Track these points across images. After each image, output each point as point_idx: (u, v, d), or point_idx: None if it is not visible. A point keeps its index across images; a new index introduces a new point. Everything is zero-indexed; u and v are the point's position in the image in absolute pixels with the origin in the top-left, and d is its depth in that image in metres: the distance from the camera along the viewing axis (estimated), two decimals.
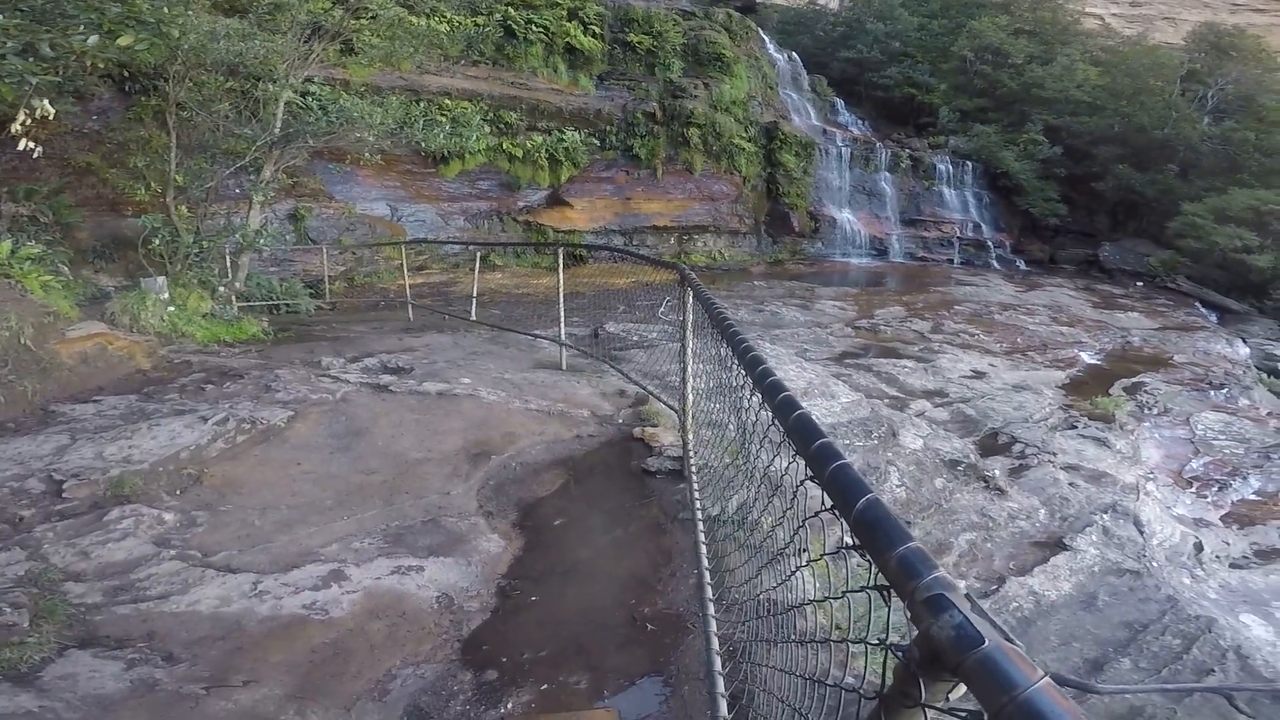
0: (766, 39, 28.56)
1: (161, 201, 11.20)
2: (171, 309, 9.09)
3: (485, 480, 5.17)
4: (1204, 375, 13.07)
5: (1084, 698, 4.42)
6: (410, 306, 12.95)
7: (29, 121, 6.82)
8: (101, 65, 10.17)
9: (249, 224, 11.69)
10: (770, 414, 1.91)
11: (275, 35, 11.28)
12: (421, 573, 3.96)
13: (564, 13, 21.17)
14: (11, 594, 3.48)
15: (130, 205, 13.05)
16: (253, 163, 11.75)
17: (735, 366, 2.73)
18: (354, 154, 14.81)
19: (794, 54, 29.54)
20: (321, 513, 4.55)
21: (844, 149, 26.35)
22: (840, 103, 30.26)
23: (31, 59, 6.54)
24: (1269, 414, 11.41)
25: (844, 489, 1.25)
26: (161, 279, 9.52)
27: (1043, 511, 6.83)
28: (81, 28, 6.64)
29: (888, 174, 26.65)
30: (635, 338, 10.50)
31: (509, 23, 20.08)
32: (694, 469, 4.64)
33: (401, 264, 14.34)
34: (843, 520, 1.23)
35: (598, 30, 21.94)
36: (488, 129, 17.55)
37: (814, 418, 1.61)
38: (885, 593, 1.09)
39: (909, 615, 0.96)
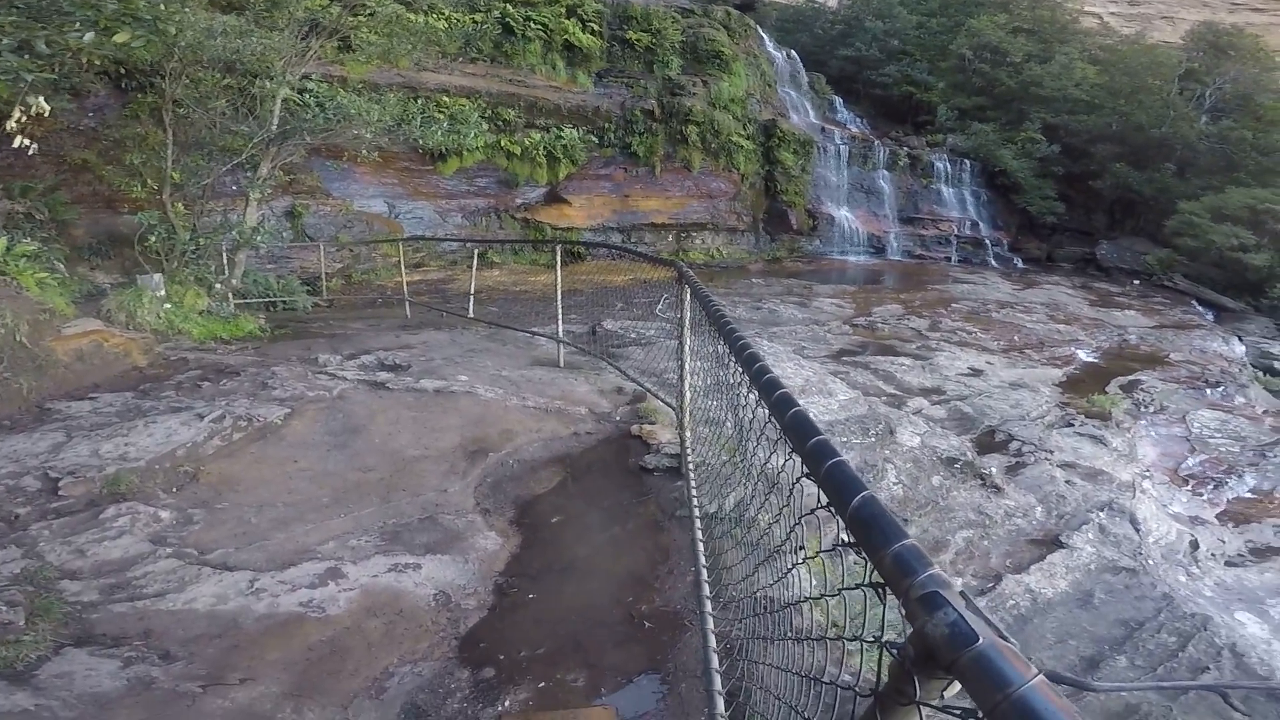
0: (765, 37, 28.54)
1: (158, 198, 11.17)
2: (168, 306, 9.07)
3: (482, 478, 5.17)
4: (1200, 373, 13.09)
5: (1080, 695, 4.43)
6: (408, 304, 12.94)
7: (24, 118, 6.81)
8: (98, 62, 10.13)
9: (246, 221, 11.67)
10: (767, 411, 1.91)
11: (272, 32, 11.25)
12: (419, 570, 3.95)
13: (562, 10, 21.14)
14: (7, 592, 3.48)
15: (126, 202, 13.01)
16: (249, 160, 11.72)
17: (732, 364, 2.73)
18: (351, 151, 14.78)
19: (792, 52, 29.53)
20: (318, 510, 4.54)
21: (842, 147, 26.35)
22: (839, 101, 30.26)
23: (27, 56, 6.52)
24: (1265, 412, 11.43)
25: (840, 486, 1.25)
26: (158, 276, 9.50)
27: (1039, 509, 6.84)
28: (77, 24, 6.62)
29: (886, 172, 26.66)
30: (633, 335, 10.49)
31: (507, 20, 20.05)
32: (691, 466, 4.64)
33: (399, 261, 14.32)
34: (839, 517, 1.23)
35: (596, 27, 21.92)
36: (486, 126, 17.52)
37: (810, 415, 1.61)
38: (880, 590, 1.09)
39: (904, 612, 0.96)
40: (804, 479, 1.53)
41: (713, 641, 2.87)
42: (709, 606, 3.10)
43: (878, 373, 11.04)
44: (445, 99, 18.13)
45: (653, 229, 22.22)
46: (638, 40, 22.47)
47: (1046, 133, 27.21)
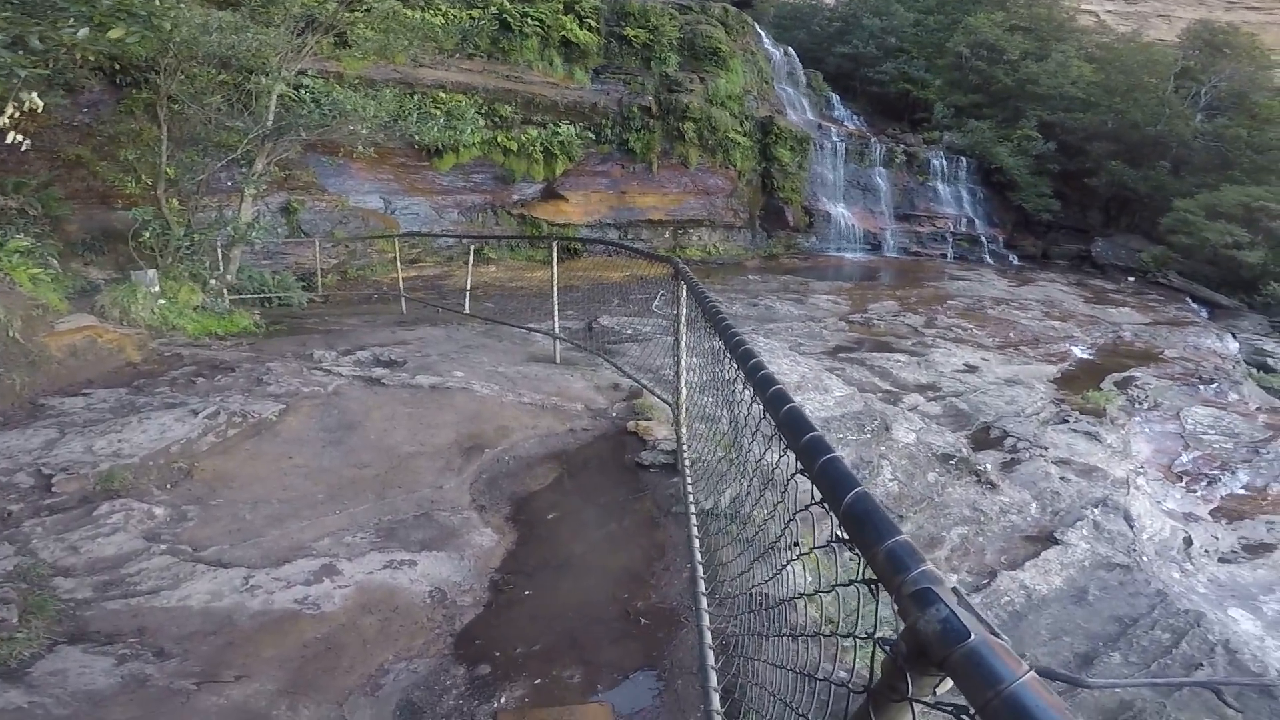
0: (762, 34, 28.50)
1: (152, 194, 11.12)
2: (162, 302, 9.04)
3: (478, 474, 5.17)
4: (1194, 370, 13.13)
5: (1074, 692, 4.45)
6: (403, 299, 12.92)
7: (17, 114, 6.77)
8: (92, 58, 10.08)
9: (241, 217, 11.62)
10: (762, 407, 1.91)
11: (268, 28, 11.19)
12: (414, 567, 3.95)
13: (560, 6, 21.07)
14: (0, 590, 3.46)
15: (120, 198, 12.95)
16: (244, 156, 11.68)
17: (728, 360, 2.73)
18: (347, 147, 14.73)
19: (790, 49, 29.50)
20: (313, 507, 4.53)
21: (839, 144, 26.36)
22: (836, 98, 30.24)
23: (20, 52, 6.49)
24: (1258, 408, 11.48)
25: (833, 482, 1.25)
26: (152, 272, 9.47)
27: (1034, 506, 6.86)
28: (71, 20, 6.59)
29: (882, 169, 26.67)
30: (629, 331, 10.49)
31: (504, 16, 19.98)
32: (687, 463, 4.65)
33: (395, 257, 14.29)
34: (832, 514, 1.23)
35: (594, 24, 21.85)
36: (482, 122, 17.46)
37: (805, 411, 1.61)
38: (873, 586, 1.09)
39: (896, 609, 0.96)
40: (798, 475, 1.53)
41: (708, 638, 2.87)
42: (705, 603, 3.11)
43: (873, 369, 11.05)
44: (442, 95, 18.07)
45: (650, 225, 22.21)
46: (635, 37, 22.42)
47: (1042, 130, 27.24)
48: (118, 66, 13.40)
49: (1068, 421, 9.46)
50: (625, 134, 21.59)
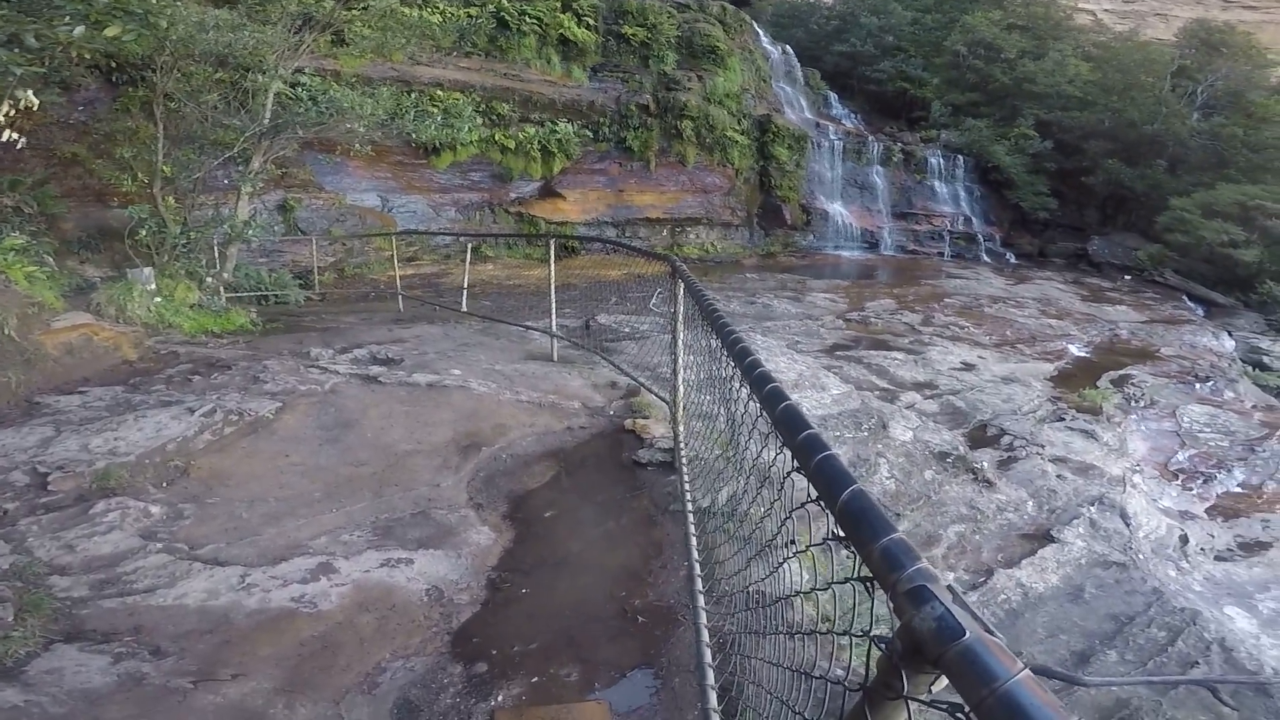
0: (760, 32, 28.51)
1: (148, 192, 11.09)
2: (158, 300, 9.01)
3: (475, 472, 5.16)
4: (1190, 368, 13.16)
5: (1070, 690, 4.46)
6: (400, 298, 12.90)
7: (13, 112, 6.75)
8: (88, 56, 10.03)
9: (237, 215, 11.60)
10: (759, 405, 1.91)
11: (265, 26, 11.16)
12: (411, 565, 3.94)
13: (558, 4, 21.05)
14: None
15: (117, 196, 12.92)
16: (241, 153, 11.65)
17: (725, 358, 2.73)
18: (344, 145, 14.71)
19: (787, 47, 29.50)
20: (310, 505, 4.53)
21: (836, 142, 26.38)
22: (833, 96, 30.28)
23: (16, 49, 6.46)
24: (1253, 407, 11.51)
25: (829, 480, 1.25)
26: (148, 270, 9.44)
27: (1030, 504, 6.88)
28: (67, 18, 6.56)
29: (880, 167, 26.70)
30: (627, 329, 10.49)
31: (502, 14, 19.95)
32: (685, 460, 4.65)
33: (392, 255, 14.26)
34: (828, 512, 1.23)
35: (591, 22, 21.83)
36: (480, 120, 17.46)
37: (801, 409, 1.61)
38: (869, 584, 1.09)
39: (892, 607, 0.96)
40: (795, 473, 1.53)
41: (706, 636, 2.87)
42: (702, 601, 3.11)
43: (871, 367, 11.06)
44: (439, 93, 18.04)
45: (647, 224, 22.21)
46: (633, 35, 22.40)
47: (1039, 129, 27.28)
48: (114, 64, 13.37)
49: (1064, 419, 9.48)
50: (623, 132, 21.58)
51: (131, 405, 5.76)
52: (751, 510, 2.50)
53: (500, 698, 3.06)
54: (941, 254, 26.09)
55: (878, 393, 9.57)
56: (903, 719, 0.97)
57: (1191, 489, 8.50)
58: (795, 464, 1.48)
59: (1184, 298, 21.40)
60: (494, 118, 19.38)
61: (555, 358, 8.00)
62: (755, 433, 2.13)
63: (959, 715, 0.81)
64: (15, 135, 6.85)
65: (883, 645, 0.99)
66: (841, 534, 1.18)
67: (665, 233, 22.57)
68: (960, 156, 27.56)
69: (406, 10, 14.36)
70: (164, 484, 4.65)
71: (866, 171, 26.54)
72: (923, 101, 30.05)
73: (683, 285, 4.58)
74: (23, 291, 7.02)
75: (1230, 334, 17.05)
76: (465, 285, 11.28)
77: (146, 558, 3.83)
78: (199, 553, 3.94)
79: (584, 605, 3.72)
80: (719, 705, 2.57)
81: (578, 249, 18.08)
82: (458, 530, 4.36)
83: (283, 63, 11.72)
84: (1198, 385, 12.27)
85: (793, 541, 1.84)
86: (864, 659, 1.10)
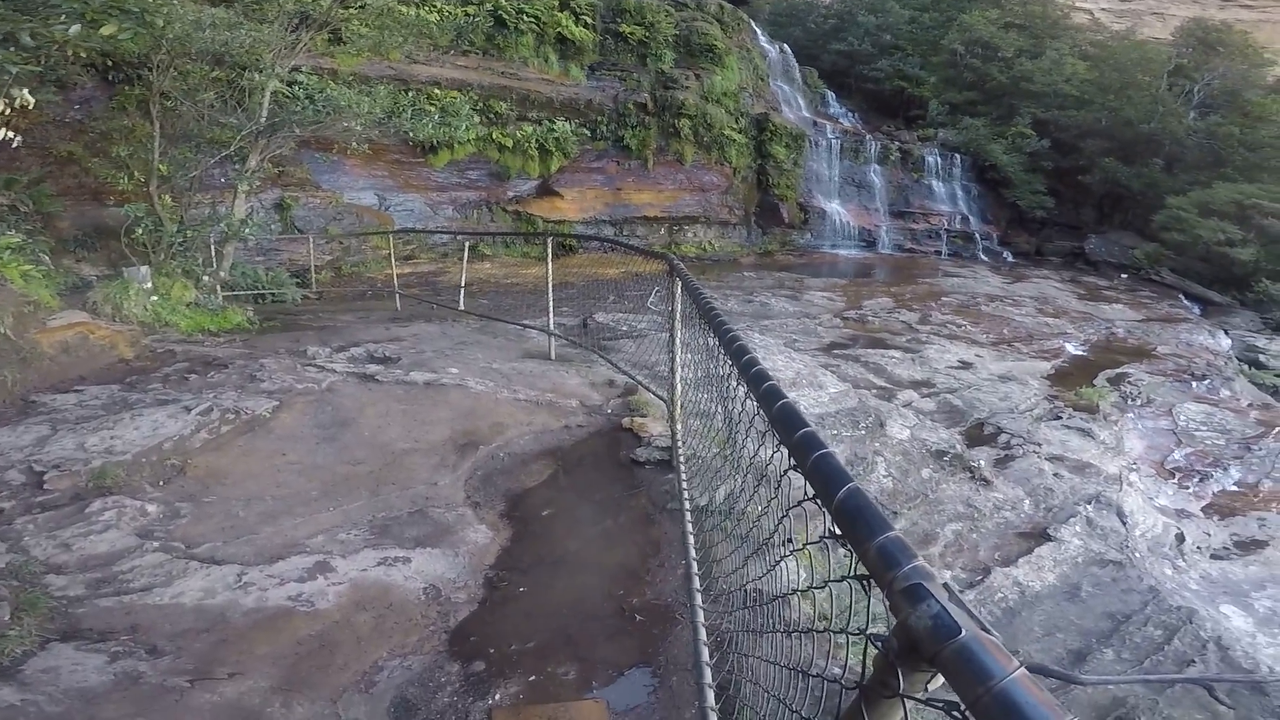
0: (758, 30, 28.51)
1: (145, 191, 11.06)
2: (155, 298, 8.99)
3: (473, 471, 5.16)
4: (1186, 366, 13.19)
5: (1067, 688, 4.47)
6: (398, 296, 12.89)
7: (8, 111, 6.73)
8: (84, 54, 10.02)
9: (234, 213, 11.57)
10: (755, 404, 1.91)
11: (262, 25, 11.14)
12: (408, 564, 3.94)
13: (555, 2, 21.02)
14: None
15: (113, 194, 12.88)
16: (238, 152, 11.63)
17: (722, 356, 2.73)
18: (341, 143, 14.68)
19: (785, 46, 29.51)
20: (307, 504, 4.52)
21: (834, 141, 26.39)
22: (831, 95, 30.30)
23: (12, 48, 6.45)
24: (1249, 405, 11.53)
25: (826, 478, 1.25)
26: (145, 268, 9.42)
27: (1027, 502, 6.89)
28: (63, 17, 6.55)
29: (877, 166, 26.73)
30: (625, 328, 10.48)
31: (499, 12, 19.92)
32: (682, 459, 4.65)
33: (389, 254, 14.26)
34: (825, 510, 1.23)
35: (589, 20, 21.81)
36: (477, 119, 17.43)
37: (798, 407, 1.61)
38: (866, 582, 1.09)
39: (888, 605, 0.96)
40: (791, 471, 1.53)
41: (703, 635, 2.87)
42: (699, 600, 3.11)
43: (868, 365, 11.08)
44: (436, 91, 18.02)
45: (645, 222, 22.20)
46: (631, 33, 22.39)
47: (1037, 128, 27.32)
48: (110, 63, 13.35)
49: (1061, 418, 9.50)
50: (621, 131, 21.57)
51: (128, 404, 5.75)
52: (749, 508, 2.50)
53: (498, 696, 3.06)
54: (939, 252, 26.12)
55: (875, 391, 9.58)
56: (899, 717, 0.97)
57: (1188, 487, 8.52)
58: (792, 462, 1.48)
59: (1180, 296, 21.45)
60: (491, 116, 19.36)
61: (553, 356, 8.00)
62: (752, 431, 2.13)
63: (955, 713, 0.81)
64: (11, 134, 6.83)
65: (879, 643, 0.99)
66: (838, 532, 1.18)
67: (663, 231, 22.57)
68: (957, 155, 27.60)
69: (404, 9, 14.35)
70: (160, 483, 4.64)
71: (864, 170, 26.57)
72: (920, 100, 30.09)
73: (680, 283, 4.58)
74: (18, 290, 7.00)
75: (1226, 332, 17.09)
76: (463, 284, 11.27)
77: (143, 556, 3.83)
78: (195, 551, 3.93)
79: (582, 604, 3.72)
80: (716, 703, 2.57)
81: (575, 247, 18.07)
82: (455, 529, 4.35)
83: (279, 61, 11.70)
84: (1194, 384, 12.30)
85: (790, 540, 1.84)
86: (861, 657, 1.10)
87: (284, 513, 4.39)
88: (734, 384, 2.47)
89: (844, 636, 1.35)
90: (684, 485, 4.23)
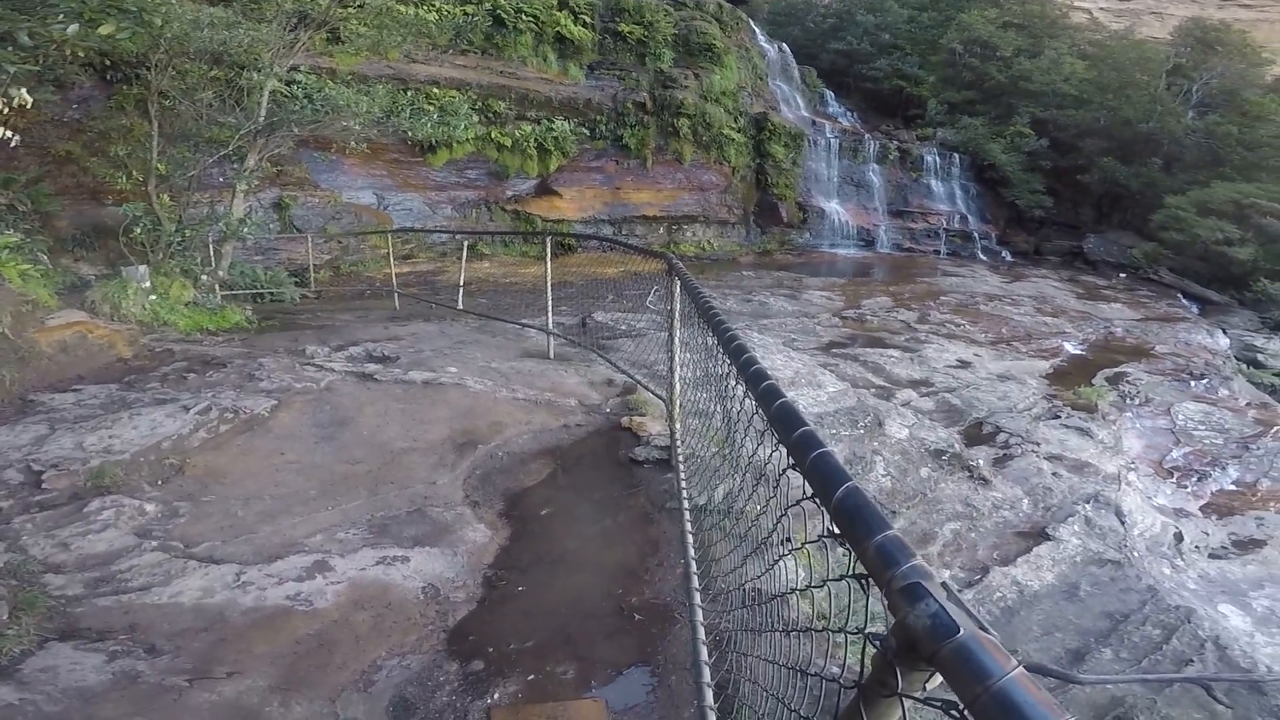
0: (757, 30, 28.51)
1: (143, 190, 11.05)
2: (153, 297, 8.98)
3: (471, 470, 5.16)
4: (1185, 365, 13.20)
5: (1065, 688, 4.47)
6: (396, 295, 12.89)
7: (6, 110, 6.72)
8: (82, 54, 10.00)
9: (232, 212, 11.57)
10: (754, 403, 1.91)
11: (260, 24, 11.14)
12: (407, 563, 3.94)
13: (554, 2, 21.01)
14: None
15: (111, 194, 12.87)
16: (236, 151, 11.62)
17: (721, 355, 2.73)
18: (340, 143, 14.67)
19: (784, 45, 29.51)
20: (305, 503, 4.52)
21: (833, 140, 26.39)
22: (829, 94, 30.30)
23: (10, 48, 6.44)
24: (1248, 404, 11.54)
25: (824, 477, 1.25)
26: (143, 267, 9.41)
27: (1026, 501, 6.89)
28: (61, 16, 6.55)
29: (876, 165, 26.73)
30: (624, 327, 10.48)
31: (498, 11, 19.91)
32: (681, 458, 4.65)
33: (388, 253, 14.26)
34: (824, 509, 1.23)
35: (588, 20, 21.80)
36: (476, 118, 17.42)
37: (797, 406, 1.61)
38: (864, 581, 1.09)
39: (886, 604, 0.96)
40: (790, 470, 1.53)
41: (702, 634, 2.87)
42: (698, 599, 3.11)
43: (867, 365, 11.08)
44: (435, 91, 18.01)
45: (644, 221, 22.20)
46: (630, 33, 22.38)
47: (1035, 127, 27.32)
48: (108, 62, 13.33)
49: (1059, 417, 9.50)
50: (620, 130, 21.56)
51: (126, 403, 5.75)
52: (748, 508, 2.50)
53: (496, 695, 3.06)
54: (937, 252, 26.12)
55: (874, 390, 9.58)
56: (897, 716, 0.97)
57: (1186, 486, 8.53)
58: (791, 461, 1.48)
59: (1179, 295, 21.46)
60: (490, 115, 19.35)
61: (552, 355, 7.99)
62: (751, 430, 2.13)
63: (953, 713, 0.81)
64: (9, 133, 6.81)
65: (878, 642, 0.99)
66: (837, 531, 1.17)
67: (662, 230, 22.57)
68: (956, 154, 27.60)
69: (402, 8, 14.34)
70: (159, 482, 4.64)
71: (863, 169, 26.57)
72: (919, 99, 30.09)
73: (679, 283, 4.58)
74: (17, 289, 6.99)
75: (1225, 332, 17.10)
76: (461, 283, 11.26)
77: (141, 556, 3.82)
78: (194, 551, 3.93)
79: (580, 603, 3.72)
80: (715, 703, 2.57)
81: (574, 246, 18.07)
82: (454, 528, 4.35)
83: (278, 60, 11.69)
84: (1192, 383, 12.31)
85: (788, 539, 1.84)
86: (859, 656, 1.10)
87: (282, 512, 4.39)
88: (733, 383, 2.47)
89: (842, 635, 1.35)
90: (683, 484, 4.23)
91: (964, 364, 11.75)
